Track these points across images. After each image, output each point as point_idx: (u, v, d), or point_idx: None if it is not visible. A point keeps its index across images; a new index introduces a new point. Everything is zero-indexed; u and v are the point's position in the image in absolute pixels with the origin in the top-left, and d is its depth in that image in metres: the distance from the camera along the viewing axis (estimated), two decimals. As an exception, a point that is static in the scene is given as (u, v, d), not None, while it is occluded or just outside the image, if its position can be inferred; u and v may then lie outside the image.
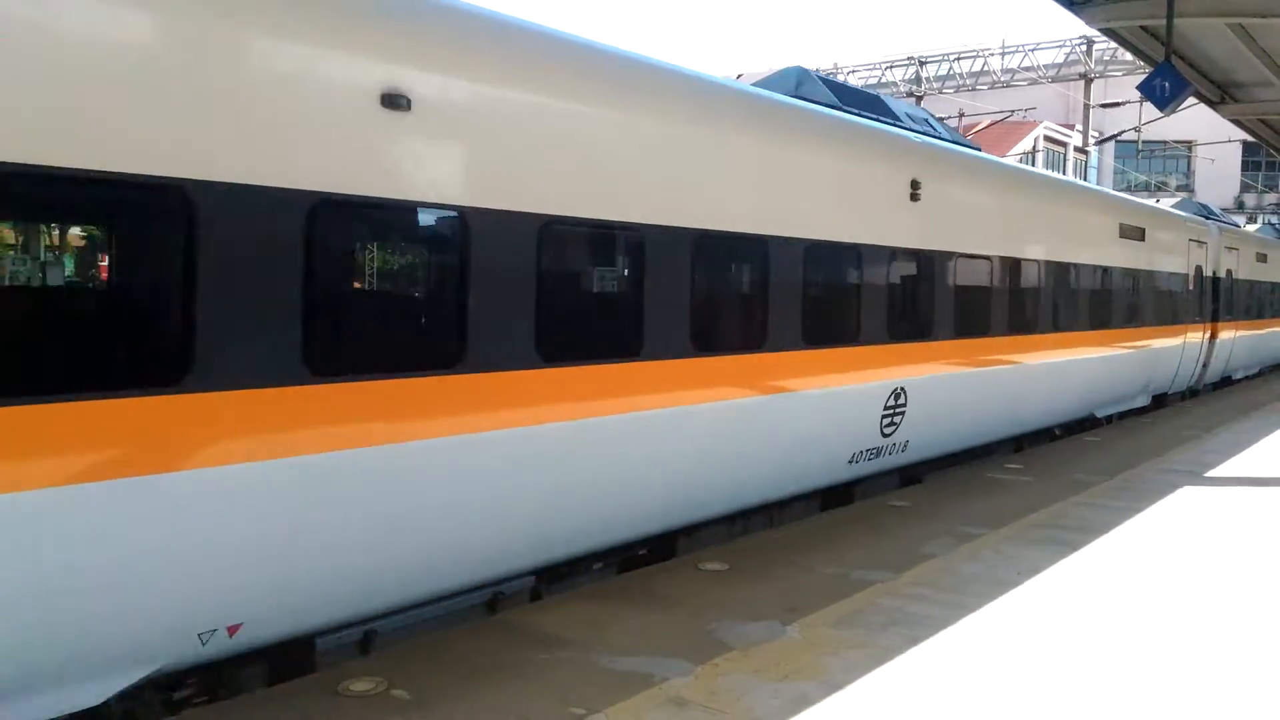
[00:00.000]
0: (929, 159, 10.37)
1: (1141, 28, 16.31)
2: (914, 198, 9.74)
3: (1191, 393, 20.41)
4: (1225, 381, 22.78)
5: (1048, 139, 50.15)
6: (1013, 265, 11.83)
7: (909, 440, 9.92)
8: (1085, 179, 41.15)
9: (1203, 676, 5.39)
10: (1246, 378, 24.67)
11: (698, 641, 5.69)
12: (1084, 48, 38.66)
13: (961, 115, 33.75)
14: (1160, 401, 18.50)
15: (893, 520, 8.77)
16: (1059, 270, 13.06)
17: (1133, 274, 15.68)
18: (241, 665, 5.19)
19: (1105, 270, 14.58)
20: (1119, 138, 34.84)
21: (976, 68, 42.86)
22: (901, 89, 43.84)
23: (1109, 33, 17.56)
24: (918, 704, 4.93)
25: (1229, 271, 21.24)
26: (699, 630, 5.88)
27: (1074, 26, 51.91)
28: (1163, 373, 17.77)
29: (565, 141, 6.27)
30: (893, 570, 7.20)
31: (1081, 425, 14.99)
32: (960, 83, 42.42)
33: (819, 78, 10.05)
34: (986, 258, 11.27)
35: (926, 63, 43.43)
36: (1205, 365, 20.11)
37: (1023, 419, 12.83)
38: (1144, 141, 37.42)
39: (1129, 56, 19.63)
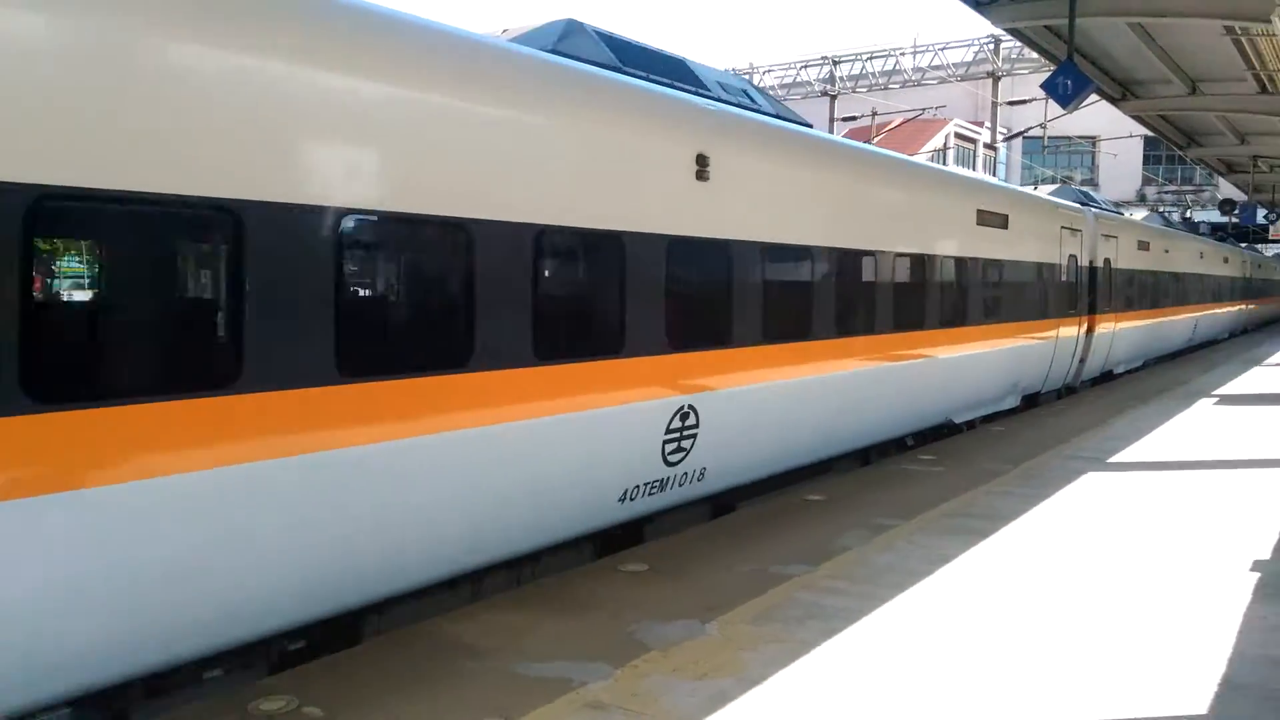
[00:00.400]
0: (722, 130, 8.72)
1: (1045, 27, 16.79)
2: (701, 176, 8.12)
3: (1068, 390, 19.26)
4: (1107, 377, 21.72)
5: (958, 136, 51.30)
6: (841, 257, 10.26)
7: (706, 467, 8.45)
8: (995, 174, 42.20)
9: (1103, 654, 5.57)
10: (1130, 371, 23.51)
11: (617, 644, 5.70)
12: (992, 47, 39.70)
13: (875, 114, 34.34)
14: (1032, 401, 17.29)
15: (809, 514, 8.89)
16: (903, 262, 11.64)
17: (995, 265, 14.35)
18: None
19: (961, 261, 13.20)
20: (1026, 134, 35.76)
21: (889, 67, 43.75)
22: (816, 88, 44.51)
23: (1014, 32, 18.04)
24: (833, 695, 5.01)
25: (1107, 261, 20.09)
26: (618, 632, 5.89)
27: (982, 26, 53.24)
28: (1033, 371, 16.53)
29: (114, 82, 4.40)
30: (809, 564, 7.30)
31: (938, 432, 13.73)
32: (873, 82, 43.25)
33: (595, 32, 8.37)
34: (805, 249, 9.66)
35: (840, 62, 44.17)
36: (1082, 361, 19.04)
37: (861, 431, 11.36)
38: (1049, 137, 38.48)
39: (1035, 55, 20.14)
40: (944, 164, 41.49)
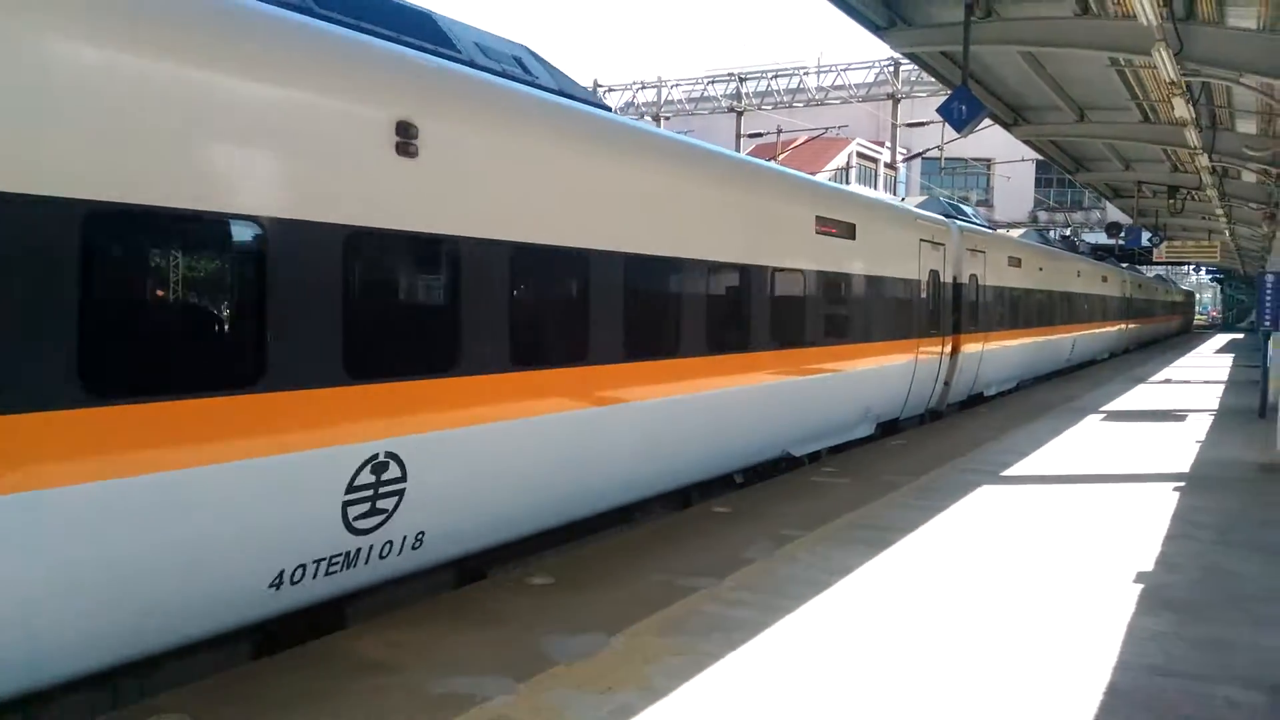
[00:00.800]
0: (444, 94, 6.78)
1: (942, 53, 17.25)
2: (406, 150, 6.22)
3: (934, 415, 18.01)
4: (977, 400, 20.57)
5: (860, 156, 52.51)
6: (632, 265, 8.52)
7: (424, 531, 6.54)
8: (895, 194, 43.24)
9: (994, 664, 5.74)
10: (1003, 394, 22.47)
11: (522, 658, 5.67)
12: (892, 69, 40.75)
13: (780, 131, 34.93)
14: (892, 428, 15.96)
15: (716, 526, 8.97)
16: (719, 273, 9.99)
17: (839, 279, 12.85)
18: None
19: (796, 274, 11.64)
20: (925, 155, 36.76)
21: (793, 85, 44.61)
22: (723, 104, 45.11)
23: (913, 57, 18.48)
24: (733, 705, 5.07)
25: (974, 277, 18.91)
26: (524, 646, 5.86)
27: (882, 49, 54.70)
28: (889, 396, 15.02)
29: None
30: (715, 576, 7.36)
31: (776, 465, 12.16)
32: (778, 100, 44.02)
33: None
34: (578, 253, 7.87)
35: (746, 79, 44.83)
36: (947, 384, 17.75)
37: (667, 472, 9.60)
38: (946, 159, 39.61)
39: (933, 79, 20.72)
40: (846, 182, 42.38)
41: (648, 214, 8.91)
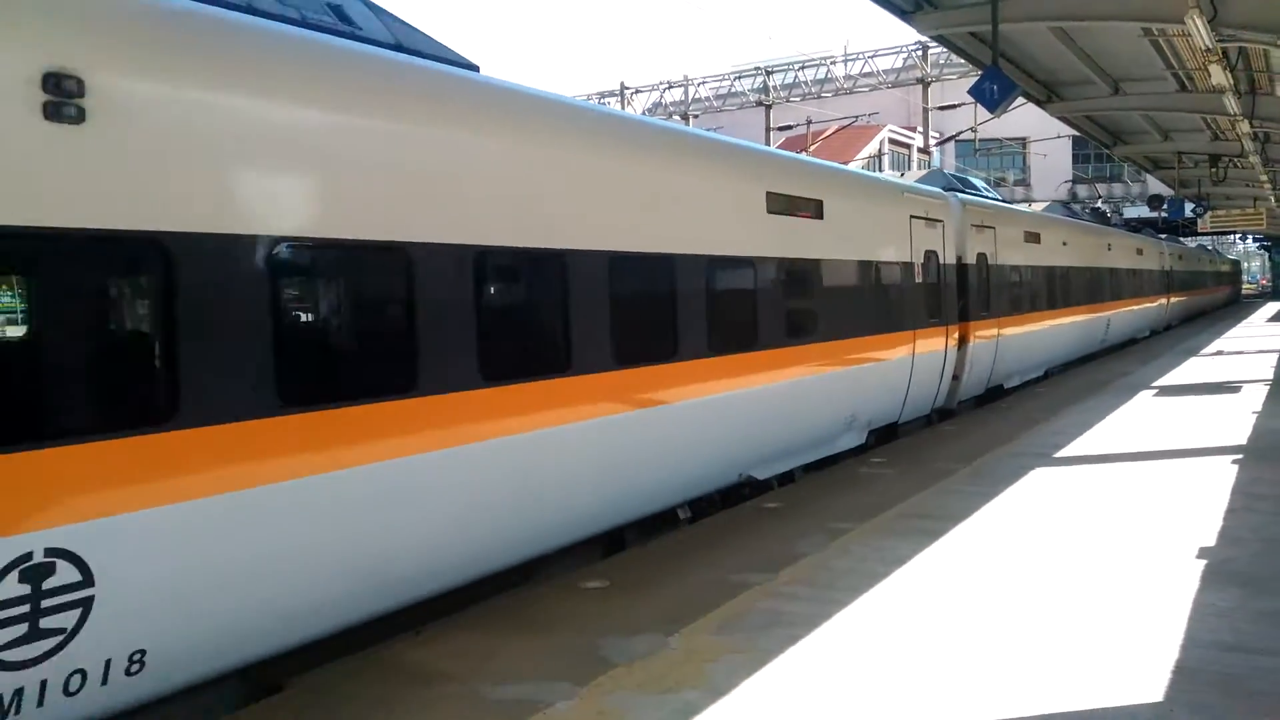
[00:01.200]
0: (130, 34, 4.80)
1: (970, 34, 17.08)
2: (62, 114, 4.37)
3: (943, 415, 15.89)
4: (997, 393, 18.38)
5: (892, 142, 52.10)
6: (484, 261, 6.62)
7: (147, 648, 4.66)
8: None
9: (1060, 646, 5.67)
10: (1027, 384, 20.24)
11: (581, 662, 5.69)
12: (920, 53, 40.42)
13: (810, 122, 34.78)
14: (889, 434, 13.95)
15: (766, 522, 8.94)
16: (620, 268, 7.95)
17: (803, 266, 10.91)
18: None
19: (742, 263, 9.83)
20: (958, 138, 36.39)
21: (821, 75, 44.44)
22: (751, 98, 45.01)
23: (940, 39, 18.31)
24: (797, 702, 5.05)
25: (981, 256, 16.83)
26: (582, 650, 5.88)
27: (910, 33, 54.21)
28: (881, 398, 13.00)
29: None
30: (769, 571, 7.34)
31: (739, 492, 10.18)
32: (807, 91, 43.85)
33: None
34: (393, 247, 5.94)
35: (773, 72, 44.73)
36: (956, 378, 15.69)
37: (562, 522, 7.52)
38: (980, 140, 39.17)
39: (962, 60, 20.50)
40: (879, 169, 42.00)
41: (518, 196, 6.99)
